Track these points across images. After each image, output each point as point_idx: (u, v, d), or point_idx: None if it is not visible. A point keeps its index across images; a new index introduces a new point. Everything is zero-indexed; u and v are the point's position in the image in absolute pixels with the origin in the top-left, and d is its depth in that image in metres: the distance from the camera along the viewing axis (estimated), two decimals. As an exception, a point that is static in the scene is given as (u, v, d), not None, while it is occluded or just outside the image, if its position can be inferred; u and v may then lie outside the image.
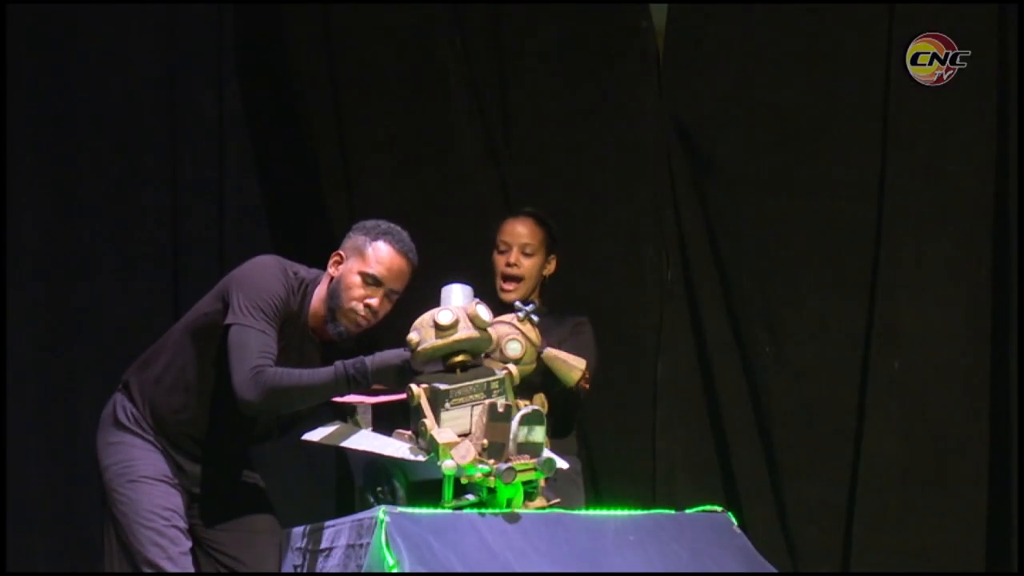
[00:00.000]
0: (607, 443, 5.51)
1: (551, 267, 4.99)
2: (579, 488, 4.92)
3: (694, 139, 5.58)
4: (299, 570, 3.91)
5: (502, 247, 4.94)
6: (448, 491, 3.68)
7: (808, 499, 5.37)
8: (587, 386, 4.65)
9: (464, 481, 3.67)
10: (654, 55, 5.61)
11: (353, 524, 3.72)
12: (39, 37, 5.46)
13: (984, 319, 5.27)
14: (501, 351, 4.12)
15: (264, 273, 3.97)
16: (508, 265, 4.90)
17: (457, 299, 3.85)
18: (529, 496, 3.81)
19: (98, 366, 5.22)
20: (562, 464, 3.88)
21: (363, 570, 3.59)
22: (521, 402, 3.82)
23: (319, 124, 5.71)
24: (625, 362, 5.50)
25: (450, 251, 5.19)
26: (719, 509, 4.20)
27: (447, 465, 3.62)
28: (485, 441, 3.68)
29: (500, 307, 4.34)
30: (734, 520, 4.12)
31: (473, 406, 3.73)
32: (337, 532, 3.78)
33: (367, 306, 3.97)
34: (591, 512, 3.97)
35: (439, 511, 3.68)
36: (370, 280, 3.97)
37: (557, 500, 3.93)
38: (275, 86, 5.79)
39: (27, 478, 5.36)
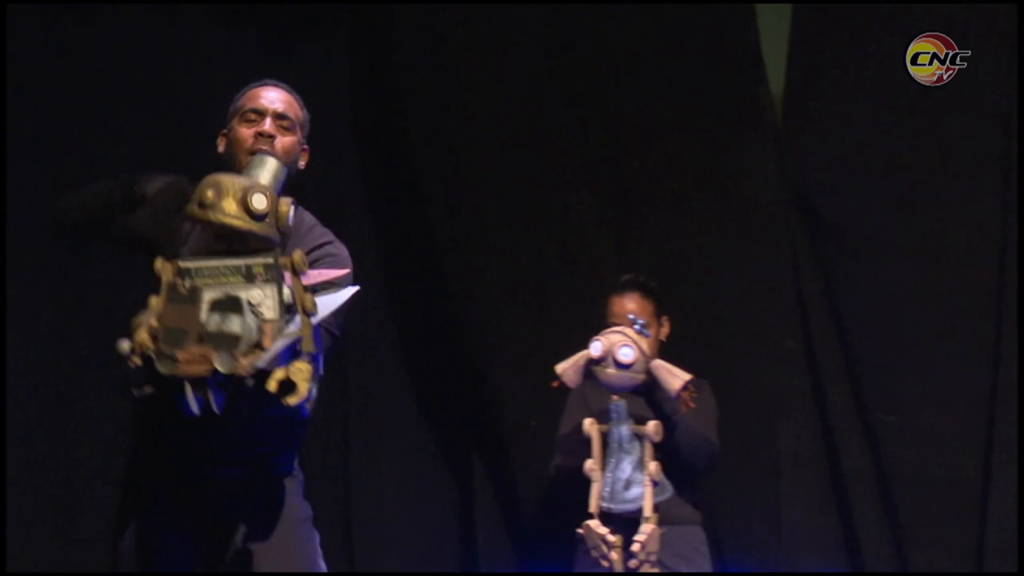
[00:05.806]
0: (730, 512, 5.41)
1: (665, 330, 4.98)
2: (705, 557, 4.88)
3: (813, 205, 5.52)
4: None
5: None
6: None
7: (935, 569, 5.25)
8: (690, 403, 4.57)
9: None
10: (772, 121, 5.58)
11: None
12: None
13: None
14: (613, 356, 4.29)
15: None
16: None
17: (268, 176, 3.23)
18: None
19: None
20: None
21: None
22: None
23: (432, 190, 5.66)
24: (746, 430, 5.41)
25: (564, 314, 5.17)
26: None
27: (123, 345, 3.04)
28: (154, 322, 3.04)
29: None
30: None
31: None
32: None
33: (258, 134, 3.57)
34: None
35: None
36: (251, 116, 3.61)
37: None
38: (388, 152, 5.76)
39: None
